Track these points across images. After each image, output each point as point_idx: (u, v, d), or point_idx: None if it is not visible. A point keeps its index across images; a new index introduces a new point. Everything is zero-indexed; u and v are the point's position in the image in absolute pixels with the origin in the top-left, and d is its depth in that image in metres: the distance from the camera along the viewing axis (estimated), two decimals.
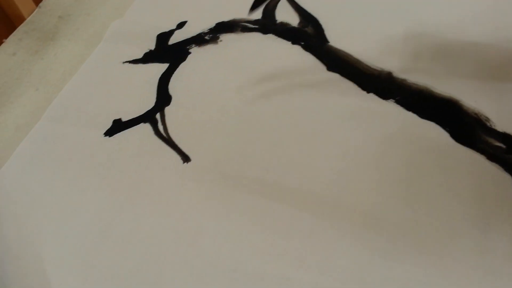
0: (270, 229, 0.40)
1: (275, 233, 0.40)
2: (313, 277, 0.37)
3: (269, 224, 0.41)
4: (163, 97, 0.52)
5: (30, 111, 0.52)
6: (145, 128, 0.49)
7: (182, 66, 0.55)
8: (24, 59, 0.57)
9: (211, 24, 0.60)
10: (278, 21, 0.59)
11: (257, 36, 0.57)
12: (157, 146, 0.47)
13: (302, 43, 0.55)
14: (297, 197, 0.42)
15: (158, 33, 0.60)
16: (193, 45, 0.58)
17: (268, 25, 0.58)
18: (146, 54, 0.57)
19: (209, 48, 0.57)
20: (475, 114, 0.46)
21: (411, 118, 0.47)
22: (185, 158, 0.46)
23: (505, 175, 0.42)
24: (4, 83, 0.55)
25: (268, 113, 0.49)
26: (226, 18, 0.60)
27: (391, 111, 0.48)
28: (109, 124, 0.50)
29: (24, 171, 0.46)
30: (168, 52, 0.57)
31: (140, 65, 0.56)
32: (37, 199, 0.44)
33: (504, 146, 0.44)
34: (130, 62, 0.57)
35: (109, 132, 0.49)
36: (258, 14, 0.60)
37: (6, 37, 0.60)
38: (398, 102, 0.48)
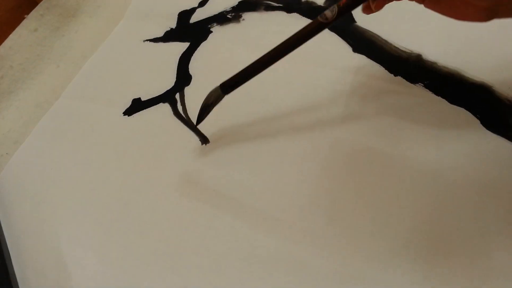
0: (288, 211, 0.39)
1: (294, 216, 0.39)
2: (332, 265, 0.36)
3: (288, 207, 0.40)
4: (183, 77, 0.51)
5: (51, 88, 0.52)
6: (164, 108, 0.48)
7: (203, 45, 0.54)
8: (46, 36, 0.57)
9: (234, 2, 0.58)
10: (303, 0, 0.57)
11: (281, 15, 0.55)
12: (175, 127, 0.46)
13: None
14: (316, 179, 0.41)
15: (180, 11, 0.59)
16: (215, 24, 0.56)
17: (292, 3, 0.56)
18: (167, 33, 0.56)
19: (231, 27, 0.56)
20: (508, 100, 0.44)
21: (440, 103, 0.45)
22: (204, 140, 0.45)
23: None
24: (25, 60, 0.54)
25: (290, 95, 0.47)
26: None
27: (419, 95, 0.45)
28: (128, 103, 0.49)
29: (44, 148, 0.46)
30: (189, 30, 0.56)
31: (161, 44, 0.55)
32: (56, 176, 0.44)
33: None
34: (150, 40, 0.56)
35: (128, 111, 0.48)
36: None
37: (28, 13, 0.60)
38: (426, 86, 0.46)
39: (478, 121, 0.43)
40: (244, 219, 0.39)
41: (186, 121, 0.47)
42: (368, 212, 0.39)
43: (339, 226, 0.38)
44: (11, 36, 0.57)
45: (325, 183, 0.41)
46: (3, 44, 0.56)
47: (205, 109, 0.42)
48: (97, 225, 0.40)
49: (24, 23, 0.59)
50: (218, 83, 0.49)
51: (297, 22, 0.54)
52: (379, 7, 0.36)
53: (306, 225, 0.38)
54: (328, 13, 0.36)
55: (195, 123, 0.43)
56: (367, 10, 0.37)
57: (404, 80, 0.47)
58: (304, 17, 0.54)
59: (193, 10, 0.58)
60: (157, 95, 0.49)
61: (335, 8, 0.35)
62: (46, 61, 0.55)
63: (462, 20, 0.35)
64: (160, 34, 0.56)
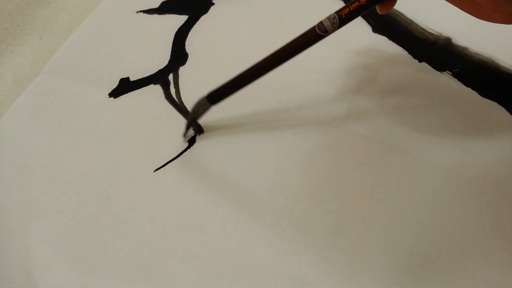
0: (289, 220, 0.34)
1: (294, 226, 0.34)
2: (332, 282, 0.31)
3: (289, 211, 0.35)
4: (179, 55, 0.45)
5: (31, 62, 0.47)
6: (155, 90, 0.43)
7: (203, 19, 0.49)
8: (28, 3, 0.51)
9: None
10: None
11: None
12: (167, 112, 0.41)
13: None
14: (325, 180, 0.36)
15: None
16: None
17: None
18: (163, 3, 0.51)
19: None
20: None
21: (469, 95, 0.40)
22: (198, 129, 0.40)
23: None
24: (4, 30, 0.49)
25: (298, 81, 0.42)
26: None
27: (446, 85, 0.41)
28: (115, 83, 0.44)
29: (21, 128, 0.41)
30: (188, 1, 0.51)
31: (156, 16, 0.49)
32: (30, 164, 0.39)
33: None
34: (144, 12, 0.50)
35: (115, 93, 0.43)
36: None
37: None
38: (455, 75, 0.41)
39: None
40: (238, 224, 0.35)
41: (179, 106, 0.41)
42: (380, 222, 0.34)
43: (347, 236, 0.33)
44: None
45: (334, 186, 0.36)
46: None
47: (193, 119, 0.39)
48: (72, 223, 0.36)
49: None
50: (216, 64, 0.44)
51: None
52: (388, 10, 0.32)
53: (308, 234, 0.34)
54: (328, 24, 0.31)
55: (189, 109, 0.38)
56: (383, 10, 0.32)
57: (429, 67, 0.42)
58: None
59: None
60: (148, 75, 0.44)
61: (336, 19, 0.31)
62: (28, 32, 0.49)
63: (486, 21, 0.32)
64: (156, 4, 0.51)
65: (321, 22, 0.32)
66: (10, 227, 0.36)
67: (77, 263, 0.34)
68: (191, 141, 0.39)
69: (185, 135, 0.39)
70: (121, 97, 0.43)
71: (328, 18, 0.32)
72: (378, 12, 0.32)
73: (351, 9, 0.31)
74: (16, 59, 0.47)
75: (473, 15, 0.32)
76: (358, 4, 0.31)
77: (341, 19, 0.31)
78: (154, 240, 0.34)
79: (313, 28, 0.32)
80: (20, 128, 0.41)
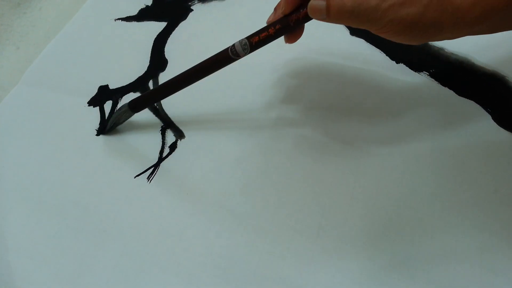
0: (271, 222, 0.35)
1: (277, 228, 0.34)
2: (316, 283, 0.32)
3: (272, 214, 0.35)
4: (158, 62, 0.46)
5: (8, 72, 0.47)
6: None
7: (182, 25, 0.49)
8: (3, 12, 0.51)
9: None
10: None
11: None
12: (147, 119, 0.41)
13: None
14: (306, 179, 0.37)
15: None
16: (196, 1, 0.51)
17: None
18: (141, 11, 0.51)
19: (214, 5, 0.50)
20: None
21: (447, 94, 0.41)
22: (179, 134, 0.40)
23: None
24: None
25: (277, 85, 0.42)
26: None
27: (423, 86, 0.41)
28: (94, 91, 0.43)
29: None
30: (167, 8, 0.51)
31: (134, 23, 0.50)
32: (7, 175, 0.39)
33: None
34: (123, 19, 0.50)
35: (93, 101, 0.43)
36: None
37: None
38: (432, 75, 0.42)
39: (489, 116, 0.39)
40: (220, 227, 0.35)
41: (159, 112, 0.41)
42: (363, 219, 0.34)
43: (330, 238, 0.33)
44: None
45: (316, 186, 0.36)
46: None
47: (112, 123, 0.40)
48: (51, 234, 0.35)
49: None
50: None
51: None
52: (293, 41, 0.34)
53: (292, 236, 0.34)
54: (240, 51, 0.34)
55: (169, 116, 0.38)
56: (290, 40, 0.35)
57: (407, 68, 0.43)
58: None
59: None
60: (127, 83, 0.44)
61: (247, 45, 0.33)
62: (4, 42, 0.49)
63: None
64: (134, 12, 0.51)
65: (233, 46, 0.34)
66: None
67: (58, 274, 0.33)
68: (172, 147, 0.39)
69: (98, 133, 0.41)
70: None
71: (240, 42, 0.34)
72: (285, 42, 0.34)
73: (261, 37, 0.33)
74: None
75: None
76: (267, 33, 0.33)
77: (251, 45, 0.34)
78: (135, 248, 0.34)
79: (226, 50, 0.34)
80: None
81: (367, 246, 0.33)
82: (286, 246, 0.34)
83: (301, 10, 0.32)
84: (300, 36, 0.34)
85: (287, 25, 0.32)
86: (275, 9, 0.34)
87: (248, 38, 0.34)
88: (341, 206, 0.35)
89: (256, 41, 0.33)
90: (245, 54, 0.34)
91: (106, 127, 0.40)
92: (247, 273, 0.33)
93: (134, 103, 0.39)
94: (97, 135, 0.40)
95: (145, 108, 0.39)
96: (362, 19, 0.28)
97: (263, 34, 0.33)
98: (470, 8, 0.27)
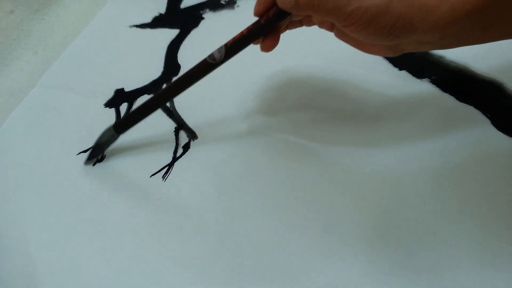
0: (281, 222, 0.36)
1: (285, 227, 0.36)
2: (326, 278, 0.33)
3: (282, 216, 0.36)
4: (171, 67, 0.47)
5: (27, 76, 0.48)
6: None
7: (194, 32, 0.51)
8: (23, 18, 0.53)
9: None
10: None
11: None
12: (161, 120, 0.43)
13: None
14: (306, 183, 0.38)
15: None
16: (207, 10, 0.53)
17: None
18: (155, 18, 0.53)
19: (224, 14, 0.52)
20: None
21: (447, 100, 0.42)
22: (192, 135, 0.41)
23: None
24: None
25: (285, 88, 0.44)
26: None
27: (425, 92, 0.43)
28: (110, 94, 0.45)
29: (16, 141, 0.42)
30: (180, 16, 0.53)
31: (148, 30, 0.51)
32: (28, 173, 0.40)
33: None
34: (137, 26, 0.52)
35: (110, 103, 0.44)
36: None
37: None
38: (433, 81, 0.43)
39: (488, 121, 0.40)
40: (232, 226, 0.36)
41: (172, 114, 0.43)
42: (366, 221, 0.35)
43: (334, 238, 0.35)
44: None
45: (318, 190, 0.37)
46: None
47: (98, 148, 0.40)
48: (70, 227, 0.37)
49: None
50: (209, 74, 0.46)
51: None
52: (268, 48, 0.34)
53: (298, 235, 0.35)
54: (216, 53, 0.34)
55: (182, 118, 0.40)
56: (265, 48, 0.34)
57: (409, 75, 0.44)
58: None
59: None
60: (142, 86, 0.46)
61: (222, 49, 0.34)
62: (23, 46, 0.50)
63: (371, 54, 0.34)
64: (148, 19, 0.52)
65: (211, 53, 0.34)
66: (10, 233, 0.37)
67: (77, 266, 0.35)
68: (186, 147, 0.41)
69: (86, 161, 0.40)
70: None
71: (217, 48, 0.34)
72: (261, 50, 0.35)
73: (235, 39, 0.33)
74: (12, 73, 0.48)
75: (359, 49, 0.34)
76: (240, 34, 0.33)
77: (226, 48, 0.34)
78: (150, 242, 0.36)
79: (204, 59, 0.35)
80: (17, 139, 0.43)
81: (369, 246, 0.34)
82: (292, 246, 0.35)
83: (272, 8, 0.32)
84: (276, 44, 0.34)
85: (258, 24, 0.32)
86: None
87: (225, 43, 0.34)
88: (345, 208, 0.36)
89: (230, 43, 0.33)
90: (221, 58, 0.34)
91: (94, 154, 0.40)
92: (255, 272, 0.34)
93: (118, 125, 0.38)
94: (86, 163, 0.40)
95: (130, 128, 0.39)
96: (328, 5, 0.28)
97: (237, 36, 0.33)
98: (438, 3, 0.27)
